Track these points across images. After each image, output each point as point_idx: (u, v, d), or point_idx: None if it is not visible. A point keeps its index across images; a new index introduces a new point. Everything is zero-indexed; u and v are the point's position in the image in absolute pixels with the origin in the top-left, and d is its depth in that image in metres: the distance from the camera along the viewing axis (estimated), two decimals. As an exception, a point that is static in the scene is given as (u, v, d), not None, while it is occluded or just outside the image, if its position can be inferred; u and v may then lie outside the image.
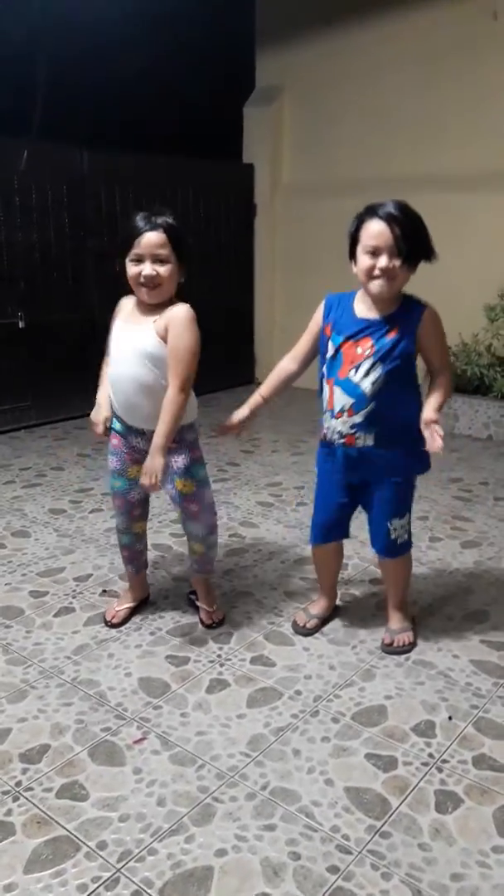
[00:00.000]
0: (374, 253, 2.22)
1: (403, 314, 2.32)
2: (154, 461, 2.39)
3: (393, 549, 2.57)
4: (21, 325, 5.45)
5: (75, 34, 7.18)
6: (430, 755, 2.11)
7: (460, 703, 2.34)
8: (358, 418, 2.35)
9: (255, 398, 2.62)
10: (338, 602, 2.93)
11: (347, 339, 2.34)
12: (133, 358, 2.41)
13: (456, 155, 5.72)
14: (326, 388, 2.41)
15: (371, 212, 2.23)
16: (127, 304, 2.55)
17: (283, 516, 3.90)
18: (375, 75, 6.11)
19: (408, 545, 2.61)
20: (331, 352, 2.38)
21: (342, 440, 2.40)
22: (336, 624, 2.81)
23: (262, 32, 6.88)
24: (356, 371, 2.32)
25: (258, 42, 6.94)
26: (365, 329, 2.32)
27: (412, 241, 2.22)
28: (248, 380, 7.27)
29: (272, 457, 4.95)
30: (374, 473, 2.46)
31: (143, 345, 2.39)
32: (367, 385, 2.31)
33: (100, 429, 2.63)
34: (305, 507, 3.99)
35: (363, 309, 2.36)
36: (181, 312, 2.38)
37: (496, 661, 2.57)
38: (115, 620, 2.80)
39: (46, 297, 5.59)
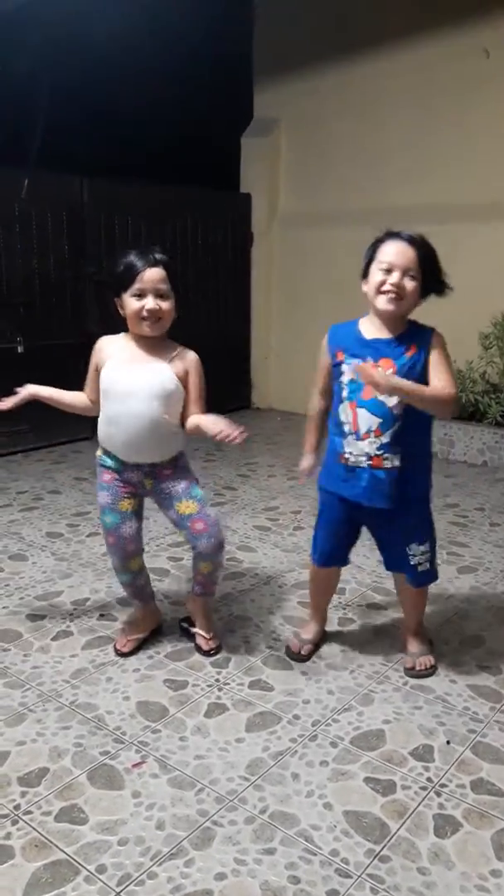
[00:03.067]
0: (389, 270, 2.27)
1: (414, 334, 2.37)
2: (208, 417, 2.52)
3: (416, 577, 2.54)
4: (20, 349, 5.50)
5: (75, 65, 7.30)
6: (429, 779, 2.12)
7: (458, 727, 2.35)
8: (385, 438, 2.33)
9: (307, 447, 2.66)
10: (336, 627, 2.94)
11: (364, 360, 2.32)
12: (148, 396, 2.47)
13: (449, 186, 5.83)
14: (348, 411, 2.38)
15: (392, 234, 2.31)
16: (115, 345, 2.56)
17: (281, 540, 3.92)
18: (370, 109, 6.25)
19: (431, 575, 2.58)
20: (350, 375, 2.37)
21: (369, 462, 2.37)
22: (334, 649, 2.82)
23: (260, 65, 7.03)
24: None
25: (256, 74, 7.09)
26: (379, 349, 2.34)
27: (426, 267, 2.29)
28: (244, 405, 7.33)
29: (269, 481, 4.98)
30: (387, 496, 2.40)
31: (161, 384, 2.48)
32: (393, 403, 2.31)
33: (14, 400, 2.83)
34: (302, 532, 4.02)
35: (372, 330, 2.38)
36: (196, 358, 2.57)
37: (493, 685, 2.59)
38: (124, 649, 2.79)
39: (45, 322, 5.65)
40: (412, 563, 2.52)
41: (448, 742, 2.28)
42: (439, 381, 2.31)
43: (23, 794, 2.04)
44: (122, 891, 1.74)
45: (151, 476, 2.60)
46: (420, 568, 2.53)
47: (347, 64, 6.33)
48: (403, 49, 5.97)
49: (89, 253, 5.81)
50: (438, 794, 2.06)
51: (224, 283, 7.03)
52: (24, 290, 5.52)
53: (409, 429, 2.35)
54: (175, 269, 2.48)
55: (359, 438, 2.37)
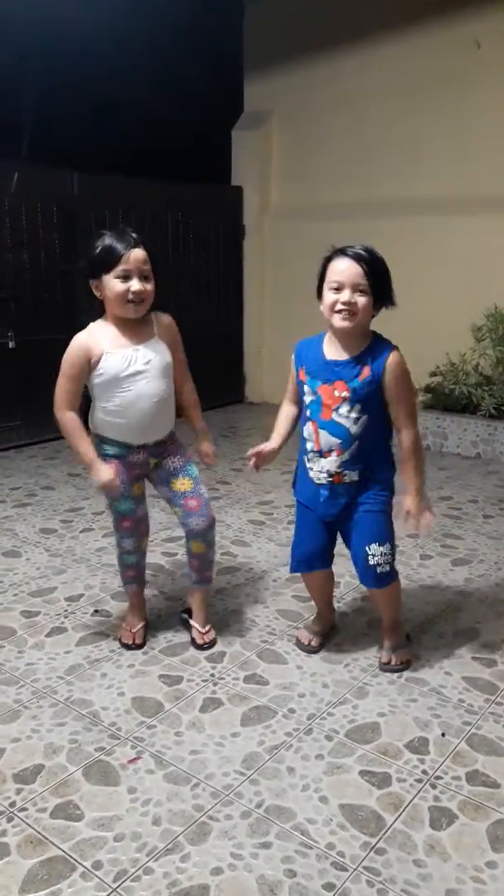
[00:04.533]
0: (338, 289, 2.30)
1: (371, 354, 2.37)
2: (208, 444, 2.81)
3: (373, 577, 2.52)
4: (11, 345, 5.48)
5: (65, 58, 7.27)
6: (424, 772, 2.12)
7: (453, 719, 2.36)
8: (346, 456, 2.41)
9: (273, 445, 2.65)
10: (332, 623, 2.94)
11: (322, 382, 2.39)
12: (157, 376, 2.50)
13: (441, 179, 5.82)
14: (311, 430, 2.45)
15: (338, 252, 2.32)
16: (99, 337, 2.49)
17: (275, 535, 3.92)
18: (361, 102, 6.23)
19: (389, 576, 2.55)
20: (310, 396, 2.44)
21: (330, 479, 2.45)
22: (329, 642, 2.82)
23: (251, 57, 7.00)
24: (337, 412, 2.37)
25: (246, 67, 7.06)
26: (336, 371, 2.38)
27: (375, 281, 2.30)
28: (238, 399, 7.32)
29: (263, 475, 4.96)
30: (353, 506, 2.48)
31: (166, 360, 2.54)
32: (350, 424, 2.38)
33: (116, 482, 2.55)
34: (296, 526, 4.01)
35: (332, 351, 2.41)
36: (171, 320, 2.61)
37: (488, 677, 2.59)
38: (138, 641, 2.79)
39: (36, 317, 5.63)
40: (371, 563, 2.49)
41: (443, 734, 2.28)
42: (403, 421, 2.41)
43: (18, 791, 2.04)
44: (118, 887, 1.74)
45: (156, 454, 2.63)
46: (379, 569, 2.51)
47: (339, 56, 6.30)
48: (395, 41, 5.95)
49: (80, 247, 5.77)
50: (434, 787, 2.06)
51: (216, 276, 7.01)
52: (15, 284, 5.49)
53: (368, 446, 2.42)
54: (154, 250, 2.48)
55: (321, 456, 2.44)
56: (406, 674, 2.61)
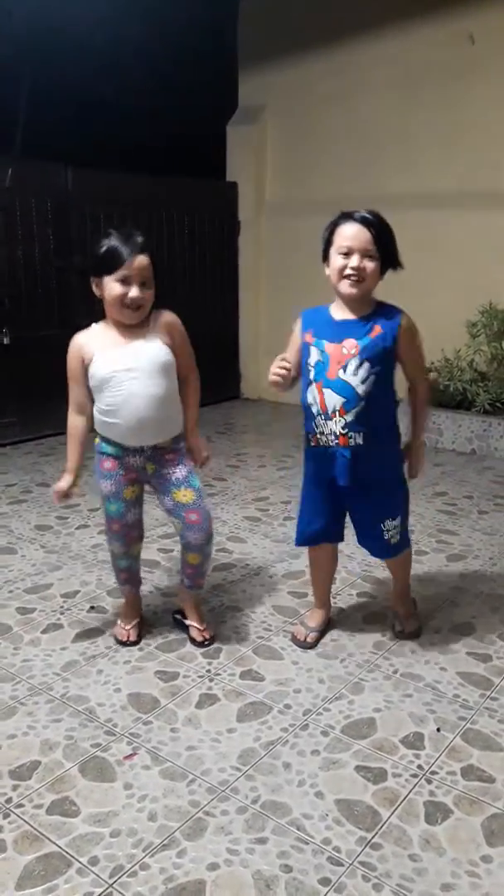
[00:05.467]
0: (347, 254, 2.31)
1: (381, 315, 2.41)
2: (199, 440, 2.69)
3: (387, 548, 2.63)
4: (5, 341, 5.46)
5: (59, 53, 7.23)
6: (420, 767, 2.13)
7: (448, 714, 2.36)
8: (349, 417, 2.38)
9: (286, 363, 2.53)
10: (328, 618, 2.95)
11: (330, 341, 2.39)
12: (152, 374, 2.46)
13: (436, 174, 5.82)
14: (315, 391, 2.42)
15: (346, 216, 2.34)
16: (95, 337, 2.50)
17: (271, 531, 3.92)
18: (356, 96, 6.22)
19: (403, 544, 2.66)
20: (316, 356, 2.42)
21: (336, 441, 2.42)
22: (325, 637, 2.82)
23: (245, 52, 6.98)
24: (344, 370, 2.36)
25: (241, 61, 7.03)
26: (346, 329, 2.39)
27: (383, 245, 2.32)
28: (234, 395, 7.31)
29: (259, 471, 4.97)
30: (364, 476, 2.46)
31: (161, 358, 2.48)
32: (357, 383, 2.36)
33: (66, 500, 2.72)
34: (293, 522, 4.00)
35: (339, 313, 2.43)
36: (173, 315, 2.56)
37: (483, 672, 2.60)
38: (132, 638, 2.79)
39: (31, 313, 5.61)
40: (385, 537, 2.58)
41: (438, 729, 2.29)
42: (415, 375, 2.51)
43: (14, 788, 2.04)
44: (114, 882, 1.74)
45: (153, 460, 2.58)
46: (392, 541, 2.60)
47: (333, 50, 6.29)
48: (390, 35, 5.93)
49: (75, 242, 5.76)
50: (429, 782, 2.07)
51: (211, 272, 7.00)
52: (9, 281, 5.47)
53: (373, 408, 2.40)
54: (157, 257, 2.46)
55: (327, 418, 2.42)
56: (401, 669, 2.61)
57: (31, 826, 1.91)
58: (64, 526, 3.99)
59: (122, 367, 2.44)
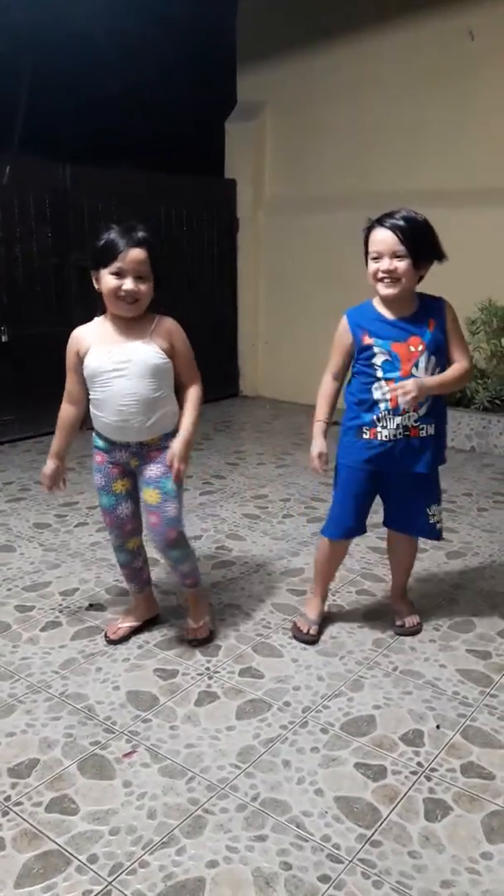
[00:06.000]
0: (378, 258, 2.40)
1: (429, 309, 2.50)
2: (182, 448, 2.50)
3: (434, 532, 2.71)
4: (4, 338, 5.45)
5: (58, 49, 7.21)
6: (419, 764, 2.12)
7: (448, 712, 2.36)
8: (422, 410, 2.49)
9: (321, 426, 2.65)
10: (326, 612, 2.94)
11: (395, 340, 2.46)
12: (140, 375, 2.44)
13: (436, 171, 5.81)
14: (385, 388, 2.47)
15: (377, 222, 2.42)
16: (92, 331, 2.51)
17: (270, 528, 3.91)
18: (356, 92, 6.20)
19: (441, 529, 2.76)
20: (382, 356, 2.47)
21: (406, 433, 2.50)
22: (324, 635, 2.82)
23: (244, 48, 6.96)
24: (416, 367, 2.44)
25: (239, 58, 7.02)
26: (406, 327, 2.46)
27: (413, 243, 2.37)
28: (233, 393, 7.30)
29: (258, 469, 4.97)
30: (420, 461, 2.55)
31: (151, 360, 2.45)
32: (427, 378, 2.44)
33: (57, 488, 2.72)
34: (292, 519, 4.01)
35: (390, 312, 2.50)
36: (176, 324, 2.54)
37: (482, 669, 2.60)
38: (114, 637, 2.78)
39: (30, 310, 5.60)
40: (432, 521, 2.68)
41: (438, 727, 2.29)
42: (459, 355, 2.52)
43: (13, 786, 2.04)
44: (113, 880, 1.74)
45: (139, 456, 2.57)
46: (438, 525, 2.71)
47: (332, 47, 6.27)
48: (389, 32, 5.92)
49: (73, 240, 5.75)
50: (429, 779, 2.06)
51: (210, 269, 6.99)
52: (7, 278, 5.46)
53: (439, 398, 2.54)
54: (157, 250, 2.44)
55: (398, 414, 2.48)
56: (401, 666, 2.61)
57: (30, 824, 1.90)
58: (63, 524, 3.99)
59: (112, 363, 2.44)
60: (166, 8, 6.60)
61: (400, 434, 2.50)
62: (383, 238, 2.38)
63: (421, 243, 2.40)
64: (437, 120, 5.78)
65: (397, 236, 2.36)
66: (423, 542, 3.67)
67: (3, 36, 6.66)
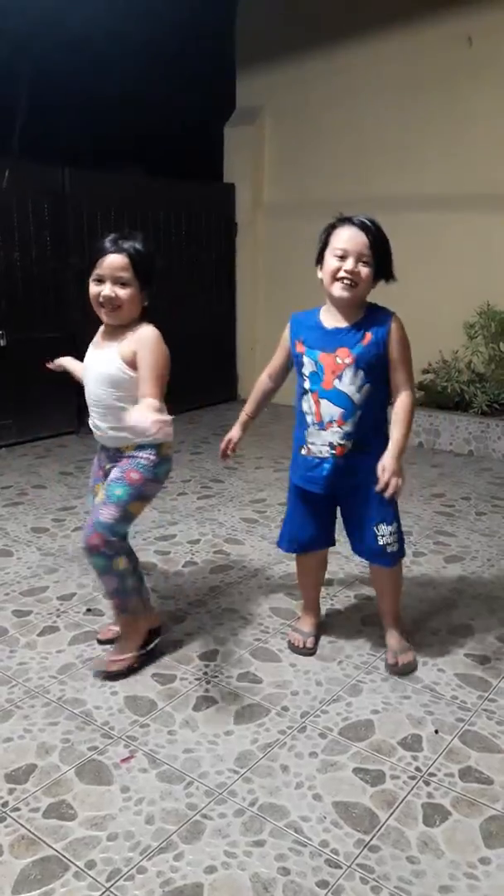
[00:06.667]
0: (343, 257, 2.29)
1: (372, 321, 2.38)
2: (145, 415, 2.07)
3: (382, 555, 2.52)
4: (2, 343, 5.46)
5: (57, 54, 7.23)
6: (418, 769, 2.12)
7: (446, 716, 2.36)
8: (348, 427, 2.38)
9: (243, 417, 2.69)
10: (324, 617, 2.94)
11: (323, 350, 2.38)
12: (97, 381, 2.46)
13: (434, 176, 5.83)
14: (311, 401, 2.42)
15: (345, 220, 2.33)
16: (98, 333, 2.59)
17: (268, 532, 3.91)
18: (354, 98, 6.23)
19: (399, 553, 2.56)
20: (310, 367, 2.41)
21: (333, 451, 2.41)
22: (322, 640, 2.81)
23: (243, 52, 6.99)
24: (340, 380, 2.35)
25: (239, 62, 7.04)
26: (338, 338, 2.37)
27: (378, 252, 2.30)
28: (231, 397, 7.30)
29: (256, 473, 4.97)
30: (357, 481, 2.44)
31: (105, 369, 2.43)
32: (353, 392, 2.35)
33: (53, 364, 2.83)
34: (289, 524, 4.01)
35: (330, 320, 2.41)
36: (146, 333, 2.40)
37: (481, 674, 2.59)
38: (102, 637, 2.78)
39: (28, 314, 5.61)
40: (380, 542, 2.50)
41: (436, 731, 2.28)
42: (401, 381, 2.40)
43: (10, 791, 2.03)
44: (111, 886, 1.73)
45: (113, 460, 2.56)
46: (389, 549, 2.51)
47: (331, 52, 6.30)
48: (387, 37, 5.94)
49: (72, 244, 5.75)
50: (427, 784, 2.06)
51: (208, 273, 6.99)
52: (6, 282, 5.46)
53: (369, 416, 2.41)
54: (145, 259, 2.40)
55: (322, 428, 2.41)
56: (399, 671, 2.61)
57: (28, 830, 1.90)
58: (60, 528, 3.98)
59: (86, 369, 2.52)
60: (166, 13, 6.61)
61: (326, 452, 2.41)
62: (353, 237, 2.27)
63: (385, 255, 2.33)
64: (435, 125, 5.80)
65: (368, 239, 2.27)
66: (421, 547, 3.68)
67: (3, 40, 6.67)
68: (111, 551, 2.44)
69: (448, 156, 5.76)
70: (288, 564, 3.49)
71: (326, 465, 2.43)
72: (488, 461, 5.22)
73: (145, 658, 2.62)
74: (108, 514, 2.42)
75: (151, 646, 2.65)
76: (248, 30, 6.90)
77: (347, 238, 2.29)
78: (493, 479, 4.82)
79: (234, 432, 2.67)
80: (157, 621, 2.71)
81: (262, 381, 2.68)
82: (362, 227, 2.28)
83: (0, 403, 5.58)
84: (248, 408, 2.69)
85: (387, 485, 2.32)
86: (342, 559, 3.40)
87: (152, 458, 2.48)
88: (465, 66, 5.58)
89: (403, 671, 2.58)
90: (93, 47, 7.02)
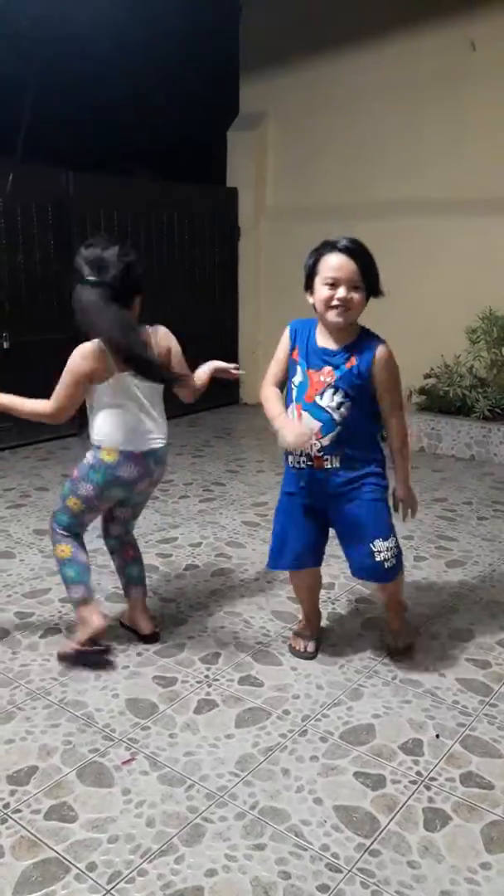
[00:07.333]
0: (334, 284, 2.31)
1: (360, 346, 2.40)
2: None
3: (381, 572, 2.50)
4: (5, 345, 5.47)
5: (62, 59, 7.26)
6: (418, 773, 2.12)
7: (447, 721, 2.36)
8: (325, 441, 2.40)
9: (281, 415, 2.47)
10: (325, 622, 2.94)
11: (311, 366, 2.42)
12: None
13: (436, 180, 5.84)
14: (295, 412, 2.44)
15: (330, 246, 2.33)
16: None
17: (270, 536, 3.90)
18: (357, 103, 6.24)
19: (397, 568, 2.54)
20: (299, 377, 2.44)
21: (309, 463, 2.44)
22: (323, 644, 2.81)
23: (246, 59, 7.00)
24: (321, 397, 2.39)
25: (242, 68, 7.06)
26: (325, 358, 2.41)
27: (367, 276, 2.32)
28: (232, 401, 7.31)
29: (257, 476, 4.97)
30: (342, 496, 2.45)
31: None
32: (332, 409, 2.38)
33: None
34: (291, 527, 4.01)
35: (323, 339, 2.44)
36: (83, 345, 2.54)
37: (482, 679, 2.60)
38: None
39: (31, 318, 5.62)
40: (377, 559, 2.46)
41: (437, 736, 2.28)
42: (389, 407, 2.44)
43: (12, 793, 2.03)
44: (112, 888, 1.73)
45: None
46: (387, 564, 2.48)
47: (334, 57, 6.31)
48: (390, 42, 5.96)
49: (75, 247, 5.76)
50: (428, 788, 2.06)
51: (211, 277, 7.01)
52: (10, 285, 5.48)
53: (351, 432, 2.41)
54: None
55: None
56: (400, 675, 2.61)
57: (29, 831, 1.90)
58: (63, 530, 3.98)
59: None
60: (170, 19, 6.64)
61: (303, 463, 2.44)
62: (343, 265, 2.29)
63: (374, 277, 2.35)
64: (438, 130, 5.81)
65: (357, 265, 2.29)
66: (423, 552, 3.68)
67: (8, 45, 6.70)
68: (53, 538, 2.73)
69: (451, 160, 5.77)
70: (289, 568, 3.49)
71: (305, 475, 2.47)
72: (490, 466, 5.22)
73: (87, 655, 2.62)
74: (59, 505, 2.72)
75: (87, 649, 2.62)
76: (251, 35, 6.92)
77: (337, 266, 2.30)
78: (495, 483, 4.83)
79: (294, 422, 2.42)
80: (103, 634, 2.66)
81: (269, 391, 2.56)
82: (350, 253, 2.29)
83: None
84: (276, 411, 2.48)
85: (406, 513, 2.52)
86: (343, 563, 3.39)
87: (90, 459, 2.59)
88: (468, 71, 5.60)
89: (404, 652, 2.72)
90: (97, 53, 7.05)
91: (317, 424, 2.39)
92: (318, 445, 2.40)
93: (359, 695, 2.50)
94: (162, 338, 2.59)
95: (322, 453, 2.41)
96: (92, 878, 1.76)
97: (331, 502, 2.49)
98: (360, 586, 3.29)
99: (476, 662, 2.70)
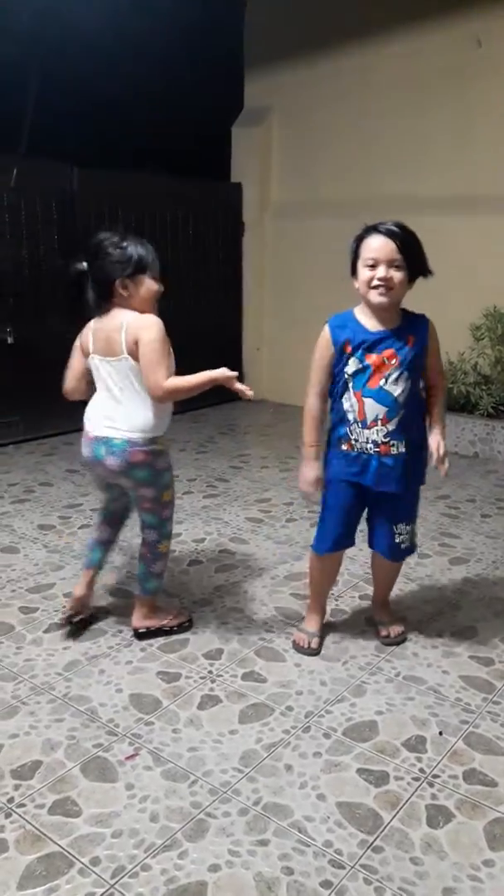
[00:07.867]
0: (374, 265, 2.36)
1: (412, 325, 2.48)
2: None
3: (396, 552, 2.68)
4: (10, 340, 5.47)
5: (66, 54, 7.25)
6: (421, 770, 2.13)
7: (450, 718, 2.36)
8: (391, 426, 2.45)
9: (313, 451, 2.58)
10: (329, 618, 2.95)
11: (370, 352, 2.43)
12: None
13: (441, 178, 5.82)
14: (353, 400, 2.46)
15: (372, 229, 2.39)
16: None
17: (274, 532, 3.92)
18: (362, 99, 6.22)
19: (410, 550, 2.72)
20: (355, 367, 2.45)
21: (377, 449, 2.47)
22: (327, 640, 2.82)
23: (251, 54, 6.99)
24: (386, 381, 2.42)
25: (247, 63, 7.04)
26: (384, 340, 2.44)
27: (409, 255, 2.37)
28: (236, 396, 7.29)
29: (262, 472, 4.97)
30: (396, 481, 2.52)
31: None
32: (398, 392, 2.43)
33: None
34: (295, 523, 4.02)
35: (373, 324, 2.46)
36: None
37: (485, 676, 2.60)
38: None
39: (35, 312, 5.61)
40: (396, 540, 2.64)
41: (440, 733, 2.29)
42: (436, 376, 2.58)
43: (16, 787, 2.04)
44: (116, 883, 1.74)
45: None
46: (403, 545, 2.67)
47: (339, 53, 6.29)
48: (396, 38, 5.94)
49: (79, 242, 5.75)
50: (431, 785, 2.07)
51: (215, 273, 7.00)
52: (14, 280, 5.48)
53: (411, 415, 2.48)
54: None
55: (365, 427, 2.46)
56: (403, 672, 2.61)
57: (33, 826, 1.91)
58: (66, 525, 3.99)
59: None
60: (175, 14, 6.62)
61: (371, 450, 2.48)
62: (381, 246, 2.34)
63: (416, 256, 2.40)
64: (443, 126, 5.79)
65: (396, 245, 2.34)
66: (426, 549, 3.68)
67: (12, 39, 6.69)
68: None
69: (456, 157, 5.75)
70: (293, 564, 3.49)
71: (373, 462, 2.50)
72: (494, 463, 5.21)
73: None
74: None
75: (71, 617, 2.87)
76: (256, 30, 6.90)
77: (376, 247, 2.35)
78: (499, 481, 4.82)
79: (316, 468, 2.58)
80: (79, 605, 2.89)
81: (315, 405, 2.56)
82: (389, 234, 2.34)
83: (7, 400, 5.59)
84: (311, 438, 2.57)
85: (441, 461, 2.50)
86: (347, 560, 3.38)
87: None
88: (474, 67, 5.57)
89: (395, 641, 2.78)
90: (101, 48, 7.03)
91: (381, 410, 2.43)
92: (385, 430, 2.45)
93: (362, 691, 2.50)
94: (130, 327, 2.52)
95: (389, 438, 2.46)
96: (96, 873, 1.77)
97: (388, 485, 2.52)
98: (363, 583, 3.29)
99: (479, 660, 2.70)
